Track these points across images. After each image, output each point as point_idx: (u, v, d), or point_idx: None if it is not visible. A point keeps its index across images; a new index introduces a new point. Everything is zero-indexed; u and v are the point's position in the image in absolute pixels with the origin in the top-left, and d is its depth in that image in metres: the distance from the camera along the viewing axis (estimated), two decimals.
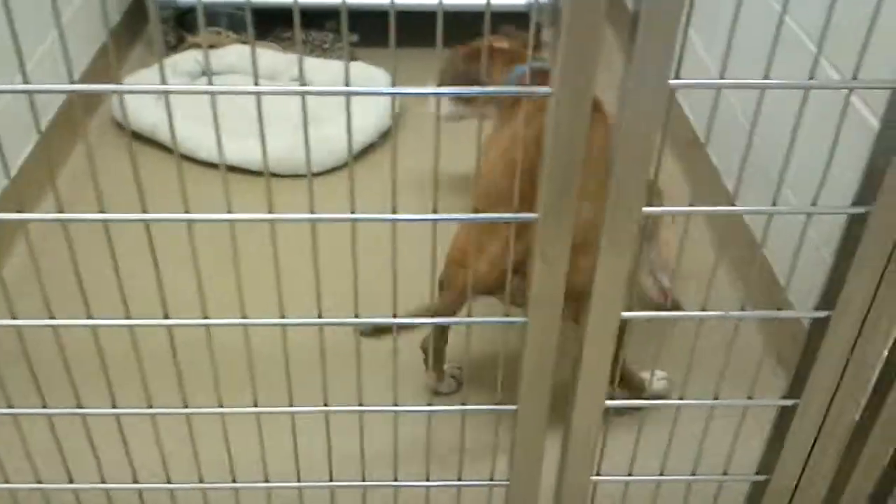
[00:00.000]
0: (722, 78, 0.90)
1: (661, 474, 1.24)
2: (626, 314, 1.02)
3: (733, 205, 1.01)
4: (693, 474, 1.24)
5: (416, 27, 2.29)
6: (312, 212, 0.93)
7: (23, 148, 2.26)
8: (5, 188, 2.10)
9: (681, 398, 1.15)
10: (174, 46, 3.04)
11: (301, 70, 0.85)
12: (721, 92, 0.92)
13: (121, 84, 0.81)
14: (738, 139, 2.15)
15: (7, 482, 1.19)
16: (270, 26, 3.11)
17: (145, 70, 2.82)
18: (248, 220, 0.90)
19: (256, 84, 0.80)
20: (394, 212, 0.93)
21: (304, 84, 0.83)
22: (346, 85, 0.82)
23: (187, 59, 2.86)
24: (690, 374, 1.13)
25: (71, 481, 1.18)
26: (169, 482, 1.18)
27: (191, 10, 3.02)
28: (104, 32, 2.86)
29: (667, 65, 0.83)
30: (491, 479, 1.20)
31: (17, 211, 0.92)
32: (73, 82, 0.79)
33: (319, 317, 1.01)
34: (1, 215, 0.93)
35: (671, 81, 0.84)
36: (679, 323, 1.77)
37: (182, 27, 3.09)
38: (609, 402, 1.12)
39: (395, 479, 1.18)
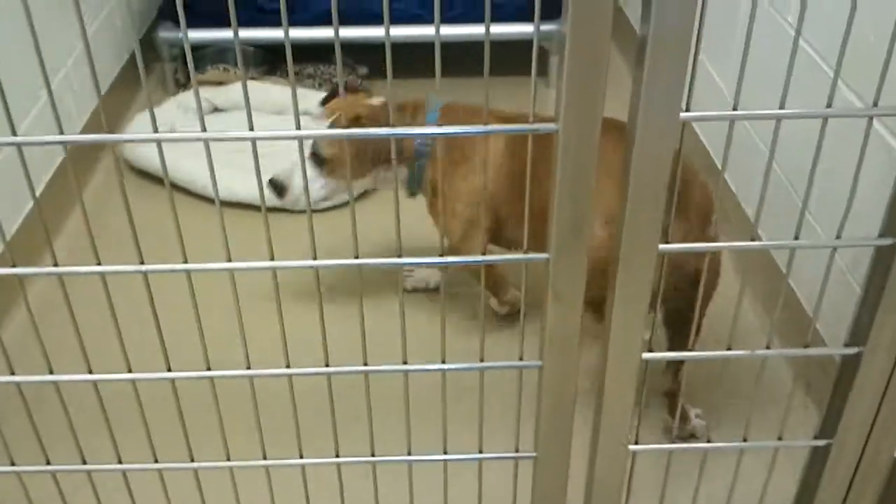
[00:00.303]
0: (736, 108, 0.86)
1: None
2: (646, 355, 0.98)
3: (754, 237, 0.96)
4: None
5: (422, 57, 2.27)
6: (314, 257, 0.90)
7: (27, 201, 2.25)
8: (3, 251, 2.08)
9: (709, 440, 1.09)
10: (184, 84, 3.04)
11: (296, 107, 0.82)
12: (734, 126, 0.88)
13: (112, 134, 0.79)
14: (757, 164, 2.11)
15: None
16: (280, 61, 3.11)
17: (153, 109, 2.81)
18: (246, 269, 0.87)
19: (251, 129, 0.77)
20: (399, 255, 0.89)
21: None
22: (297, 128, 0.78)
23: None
24: (718, 408, 1.08)
25: None
26: None
27: (200, 48, 3.02)
28: (106, 81, 2.85)
29: (677, 95, 0.79)
30: None
31: (13, 265, 0.89)
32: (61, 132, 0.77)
33: (326, 365, 0.98)
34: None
35: (683, 115, 0.80)
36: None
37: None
38: (633, 447, 1.07)
39: None
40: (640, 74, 0.78)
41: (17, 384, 0.97)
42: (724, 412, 1.08)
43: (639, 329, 0.93)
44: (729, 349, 1.02)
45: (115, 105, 2.84)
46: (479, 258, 0.97)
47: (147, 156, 2.57)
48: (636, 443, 1.08)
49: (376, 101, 1.92)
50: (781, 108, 0.86)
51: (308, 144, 1.87)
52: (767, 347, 1.02)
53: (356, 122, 1.83)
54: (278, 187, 1.93)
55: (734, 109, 0.86)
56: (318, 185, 1.91)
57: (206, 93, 2.87)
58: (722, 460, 1.35)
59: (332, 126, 1.82)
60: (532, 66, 0.79)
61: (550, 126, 0.80)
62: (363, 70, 3.08)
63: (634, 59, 0.78)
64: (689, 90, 0.81)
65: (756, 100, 0.97)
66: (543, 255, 0.88)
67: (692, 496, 1.18)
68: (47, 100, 0.78)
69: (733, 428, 1.10)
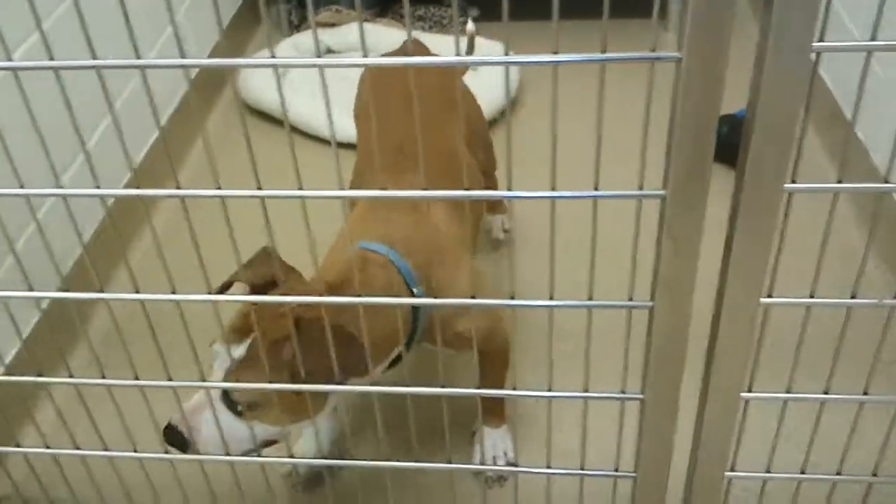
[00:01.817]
0: (873, 40, 0.80)
1: (803, 472, 1.15)
2: (765, 300, 0.94)
3: (886, 181, 0.90)
4: (838, 473, 1.15)
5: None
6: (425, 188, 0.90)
7: (149, 135, 2.34)
8: (130, 178, 2.17)
9: (825, 392, 1.05)
10: (297, 25, 3.08)
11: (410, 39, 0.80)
12: (870, 61, 0.82)
13: (230, 58, 0.80)
14: (887, 113, 1.98)
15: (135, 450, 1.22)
16: (392, 3, 3.10)
17: (267, 50, 2.85)
18: (357, 196, 0.87)
19: (365, 56, 0.76)
20: (509, 189, 0.88)
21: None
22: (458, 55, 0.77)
23: (309, 38, 2.88)
24: (837, 363, 1.04)
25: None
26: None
27: None
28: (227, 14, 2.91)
29: (809, 26, 0.74)
30: (616, 471, 1.14)
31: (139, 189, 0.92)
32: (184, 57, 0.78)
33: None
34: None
35: (815, 44, 0.75)
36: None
37: (304, 6, 3.12)
38: (745, 395, 1.04)
39: (515, 465, 1.14)
40: (770, 2, 0.73)
41: (142, 303, 1.01)
42: (840, 365, 1.04)
43: (760, 270, 0.90)
44: (853, 297, 0.97)
45: (230, 47, 2.90)
46: (591, 192, 0.93)
47: (264, 96, 2.62)
48: (749, 390, 1.05)
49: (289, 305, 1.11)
50: None
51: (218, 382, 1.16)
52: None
53: (280, 344, 1.13)
54: (176, 439, 1.18)
55: (871, 40, 0.81)
56: (240, 435, 1.18)
57: (320, 34, 2.90)
58: (838, 418, 1.30)
59: (249, 352, 1.14)
60: (654, 7, 0.75)
61: (673, 55, 0.77)
62: (474, 12, 3.04)
63: None
64: (825, 21, 0.76)
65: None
66: (660, 192, 0.85)
67: (806, 448, 1.14)
68: (171, 33, 0.80)
69: (853, 386, 1.05)
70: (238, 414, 1.16)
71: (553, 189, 0.86)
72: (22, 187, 0.92)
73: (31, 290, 1.04)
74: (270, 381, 1.09)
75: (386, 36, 2.87)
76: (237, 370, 1.14)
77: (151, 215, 2.20)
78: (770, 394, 1.07)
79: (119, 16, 0.75)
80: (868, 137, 2.09)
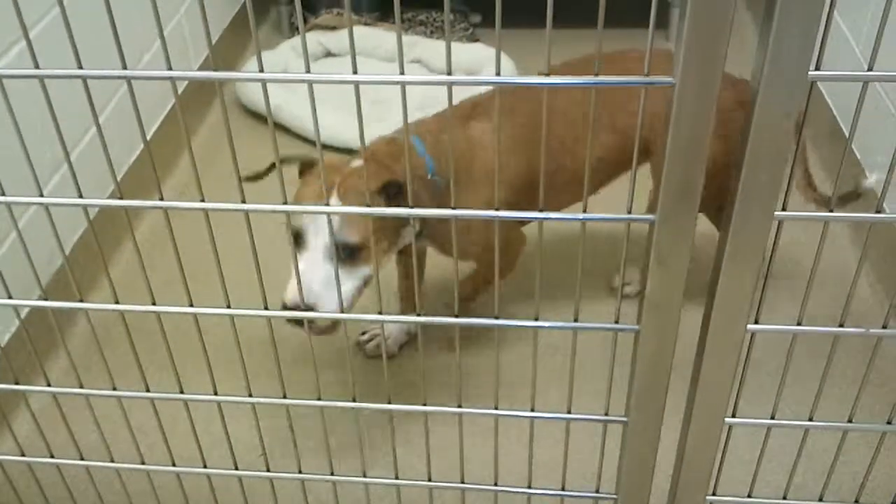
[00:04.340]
0: (871, 70, 0.80)
1: (786, 497, 1.14)
2: (752, 326, 0.93)
3: (879, 209, 0.90)
4: (821, 499, 1.14)
5: (535, 5, 2.21)
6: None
7: (148, 129, 2.32)
8: (112, 191, 2.15)
9: (810, 418, 1.04)
10: (298, 28, 3.07)
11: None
12: (867, 88, 0.81)
13: (217, 72, 0.79)
14: (885, 130, 1.98)
15: (112, 461, 1.21)
16: (392, 7, 3.09)
17: (268, 52, 2.85)
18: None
19: (355, 72, 0.75)
20: (497, 209, 0.87)
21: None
22: (401, 72, 0.76)
23: (309, 41, 2.87)
24: (824, 383, 1.03)
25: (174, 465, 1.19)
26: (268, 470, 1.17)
27: None
28: (224, 19, 2.90)
29: (807, 52, 0.73)
30: (597, 492, 1.13)
31: (119, 197, 0.91)
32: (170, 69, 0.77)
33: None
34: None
35: (811, 73, 0.75)
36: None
37: (305, 8, 3.11)
38: (729, 420, 1.03)
39: (496, 484, 1.13)
40: (768, 26, 0.72)
41: (122, 313, 1.00)
42: (828, 383, 1.03)
43: (746, 295, 0.89)
44: (841, 326, 0.96)
45: (231, 46, 2.89)
46: (580, 215, 0.93)
47: (261, 99, 2.61)
48: (733, 415, 1.04)
49: (356, 163, 1.47)
50: None
51: (320, 238, 1.37)
52: (884, 327, 0.96)
53: (386, 189, 1.41)
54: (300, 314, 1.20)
55: (869, 70, 0.80)
56: (352, 285, 1.41)
57: (320, 37, 2.89)
58: (823, 441, 1.29)
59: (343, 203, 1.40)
60: (650, 16, 0.74)
61: (666, 79, 0.76)
62: (476, 18, 3.04)
63: (764, 10, 0.73)
64: (822, 47, 0.76)
65: (891, 61, 0.90)
66: (649, 217, 0.84)
67: (788, 473, 1.13)
68: (168, 36, 0.79)
69: (836, 402, 1.04)
70: (352, 259, 1.37)
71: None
72: (2, 195, 0.91)
73: (9, 297, 1.03)
74: (367, 229, 1.36)
75: (386, 40, 2.86)
76: (342, 222, 1.36)
77: (140, 221, 2.18)
78: (754, 420, 1.06)
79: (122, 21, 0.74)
80: (865, 153, 2.08)
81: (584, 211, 0.86)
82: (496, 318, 0.97)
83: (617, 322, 0.95)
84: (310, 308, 1.34)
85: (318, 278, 1.35)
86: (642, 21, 0.83)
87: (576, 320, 0.96)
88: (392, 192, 1.40)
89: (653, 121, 1.64)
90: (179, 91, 0.82)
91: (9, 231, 1.69)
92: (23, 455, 1.24)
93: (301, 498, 1.21)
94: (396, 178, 1.40)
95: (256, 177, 1.42)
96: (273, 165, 1.41)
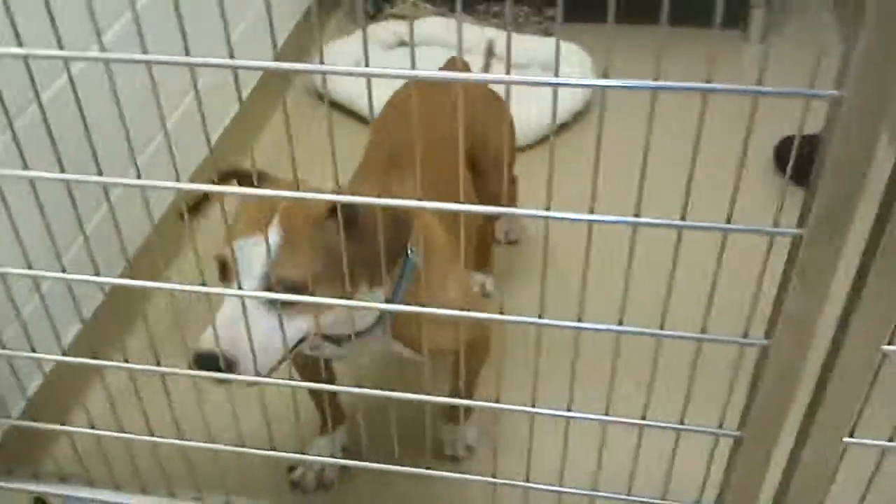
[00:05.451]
0: None
1: None
2: (886, 348, 0.90)
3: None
4: None
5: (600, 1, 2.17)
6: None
7: (224, 118, 2.34)
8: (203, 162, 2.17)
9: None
10: (373, 16, 3.06)
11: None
12: None
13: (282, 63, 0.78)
14: None
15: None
16: None
17: (343, 39, 2.84)
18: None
19: (412, 67, 0.75)
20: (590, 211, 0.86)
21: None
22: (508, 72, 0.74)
23: (385, 30, 2.86)
24: None
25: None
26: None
27: None
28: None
29: None
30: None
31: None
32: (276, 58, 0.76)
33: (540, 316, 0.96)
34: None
35: None
36: None
37: None
38: (847, 440, 1.00)
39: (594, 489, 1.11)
40: None
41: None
42: None
43: (890, 315, 0.86)
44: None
45: (310, 31, 2.88)
46: (720, 225, 0.89)
47: (335, 87, 2.60)
48: (850, 435, 1.01)
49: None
50: None
51: (253, 278, 1.07)
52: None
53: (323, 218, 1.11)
54: (214, 363, 1.05)
55: None
56: (288, 336, 1.08)
57: (396, 26, 2.88)
58: None
59: (284, 233, 1.09)
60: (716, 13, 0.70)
61: (833, 92, 0.73)
62: (550, 12, 3.01)
63: None
64: None
65: None
66: (797, 231, 0.82)
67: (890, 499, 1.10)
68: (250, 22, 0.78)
69: None
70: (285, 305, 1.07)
71: (591, 211, 0.84)
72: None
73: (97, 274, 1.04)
74: (313, 263, 1.07)
75: (462, 31, 2.84)
76: (281, 254, 1.07)
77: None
78: (872, 441, 1.03)
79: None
80: None
81: (683, 218, 0.84)
82: (620, 323, 0.95)
83: (745, 336, 0.93)
84: (229, 361, 1.05)
85: (243, 324, 1.03)
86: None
87: (703, 331, 0.94)
88: (345, 221, 0.98)
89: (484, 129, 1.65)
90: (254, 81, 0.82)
91: (98, 206, 1.71)
92: (93, 428, 1.26)
93: None
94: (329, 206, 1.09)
95: (196, 206, 1.18)
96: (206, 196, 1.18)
